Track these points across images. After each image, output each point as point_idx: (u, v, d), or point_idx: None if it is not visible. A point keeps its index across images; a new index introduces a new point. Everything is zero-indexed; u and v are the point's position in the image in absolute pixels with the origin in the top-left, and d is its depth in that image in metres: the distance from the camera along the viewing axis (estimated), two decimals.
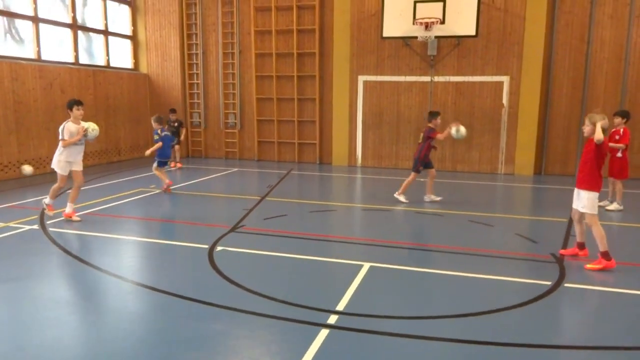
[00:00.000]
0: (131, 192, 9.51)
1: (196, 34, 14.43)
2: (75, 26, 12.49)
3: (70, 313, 4.28)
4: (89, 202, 8.41)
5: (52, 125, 11.61)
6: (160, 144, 9.48)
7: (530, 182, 11.54)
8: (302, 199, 9.22)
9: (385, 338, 3.86)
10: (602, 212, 8.06)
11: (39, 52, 11.52)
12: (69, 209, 7.25)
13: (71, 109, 7.25)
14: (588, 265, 5.41)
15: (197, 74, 14.61)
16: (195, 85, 14.72)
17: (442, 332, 3.96)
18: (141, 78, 14.63)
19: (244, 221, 7.36)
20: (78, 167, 7.27)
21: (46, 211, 7.39)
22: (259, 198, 9.06)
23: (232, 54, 14.23)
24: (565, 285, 4.98)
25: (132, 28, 14.64)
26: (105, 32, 13.59)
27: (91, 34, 13.26)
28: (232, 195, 9.35)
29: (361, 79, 12.99)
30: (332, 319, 4.14)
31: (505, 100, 12.12)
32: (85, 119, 13.04)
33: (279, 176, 11.78)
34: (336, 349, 3.67)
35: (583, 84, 11.79)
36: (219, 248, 6.02)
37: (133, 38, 14.70)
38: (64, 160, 7.16)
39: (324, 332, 3.91)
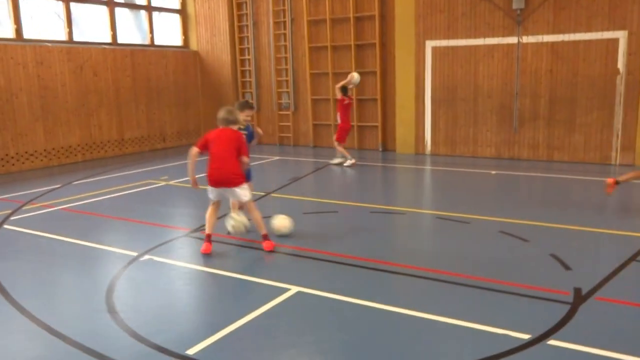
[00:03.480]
0: (137, 183, 9.68)
1: (246, 3, 14.29)
2: (112, 3, 13.09)
3: None
4: (80, 195, 8.69)
5: (84, 111, 12.36)
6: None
7: None
8: (312, 196, 8.53)
9: None
10: None
11: (70, 33, 12.27)
12: None
13: None
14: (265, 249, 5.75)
15: (247, 48, 14.51)
16: (247, 61, 14.64)
17: None
18: (190, 56, 14.96)
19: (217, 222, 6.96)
20: None
21: None
22: (263, 194, 8.60)
23: (284, 23, 13.84)
24: (548, 342, 3.73)
25: (181, 1, 15.00)
26: (149, 8, 14.08)
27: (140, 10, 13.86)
28: None
29: (429, 44, 11.74)
30: None
31: (621, 65, 10.02)
32: (123, 103, 13.75)
33: (324, 165, 11.19)
34: None
35: None
36: (145, 257, 5.71)
37: (182, 12, 15.06)
38: None
39: None
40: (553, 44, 10.56)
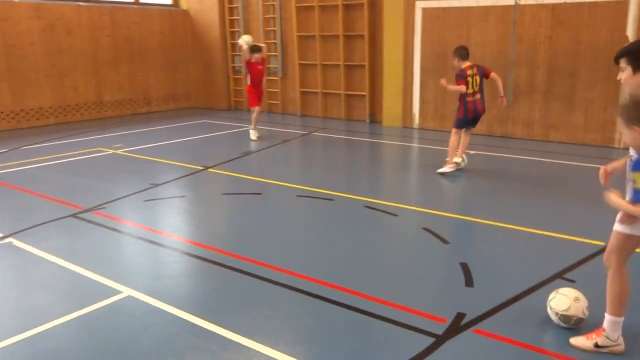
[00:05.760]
0: (85, 150, 9.11)
1: None
2: None
3: None
4: (13, 162, 8.20)
5: (55, 72, 11.83)
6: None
7: None
8: (248, 174, 7.69)
9: None
10: None
11: None
12: None
13: None
14: None
15: (236, 7, 13.56)
16: (236, 22, 13.71)
17: None
18: (179, 15, 14.14)
19: (120, 201, 6.28)
20: None
21: None
22: (201, 168, 7.84)
23: None
24: None
25: None
26: None
27: None
28: (181, 163, 8.25)
29: (419, 4, 10.49)
30: None
31: (630, 32, 8.55)
32: (101, 64, 12.96)
33: (291, 138, 10.31)
34: None
35: None
36: (6, 240, 5.08)
37: None
38: None
39: None
40: (554, 6, 9.14)
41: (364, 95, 11.90)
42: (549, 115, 9.58)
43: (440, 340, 3.36)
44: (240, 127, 11.57)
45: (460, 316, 3.62)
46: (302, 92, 12.89)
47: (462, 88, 7.00)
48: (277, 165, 8.57)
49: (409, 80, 10.97)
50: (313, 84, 12.66)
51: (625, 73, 2.97)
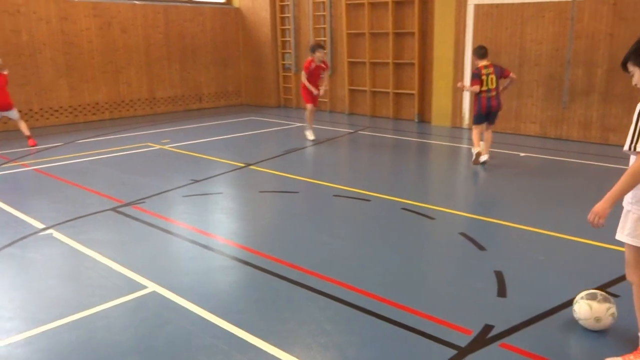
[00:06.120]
0: (134, 145, 9.35)
1: None
2: None
3: None
4: (67, 155, 8.51)
5: (111, 69, 12.22)
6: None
7: None
8: (288, 172, 7.64)
9: None
10: None
11: None
12: None
13: None
14: None
15: (287, 5, 13.59)
16: (287, 19, 13.74)
17: None
18: (231, 13, 14.32)
19: (159, 196, 6.39)
20: None
21: None
22: (243, 165, 7.89)
23: None
24: None
25: None
26: None
27: None
28: (224, 159, 8.33)
29: (471, 1, 10.16)
30: None
31: None
32: (154, 61, 13.22)
33: (337, 136, 10.22)
34: None
35: None
36: (48, 231, 5.25)
37: None
38: None
39: None
40: (615, 1, 8.62)
41: (412, 94, 11.66)
42: (607, 117, 9.06)
43: (462, 352, 3.18)
44: (287, 124, 11.60)
45: (487, 328, 3.43)
46: (351, 90, 12.78)
47: (476, 88, 7.31)
48: (318, 163, 8.52)
49: (459, 79, 10.62)
50: (362, 82, 12.53)
51: (636, 75, 2.82)
